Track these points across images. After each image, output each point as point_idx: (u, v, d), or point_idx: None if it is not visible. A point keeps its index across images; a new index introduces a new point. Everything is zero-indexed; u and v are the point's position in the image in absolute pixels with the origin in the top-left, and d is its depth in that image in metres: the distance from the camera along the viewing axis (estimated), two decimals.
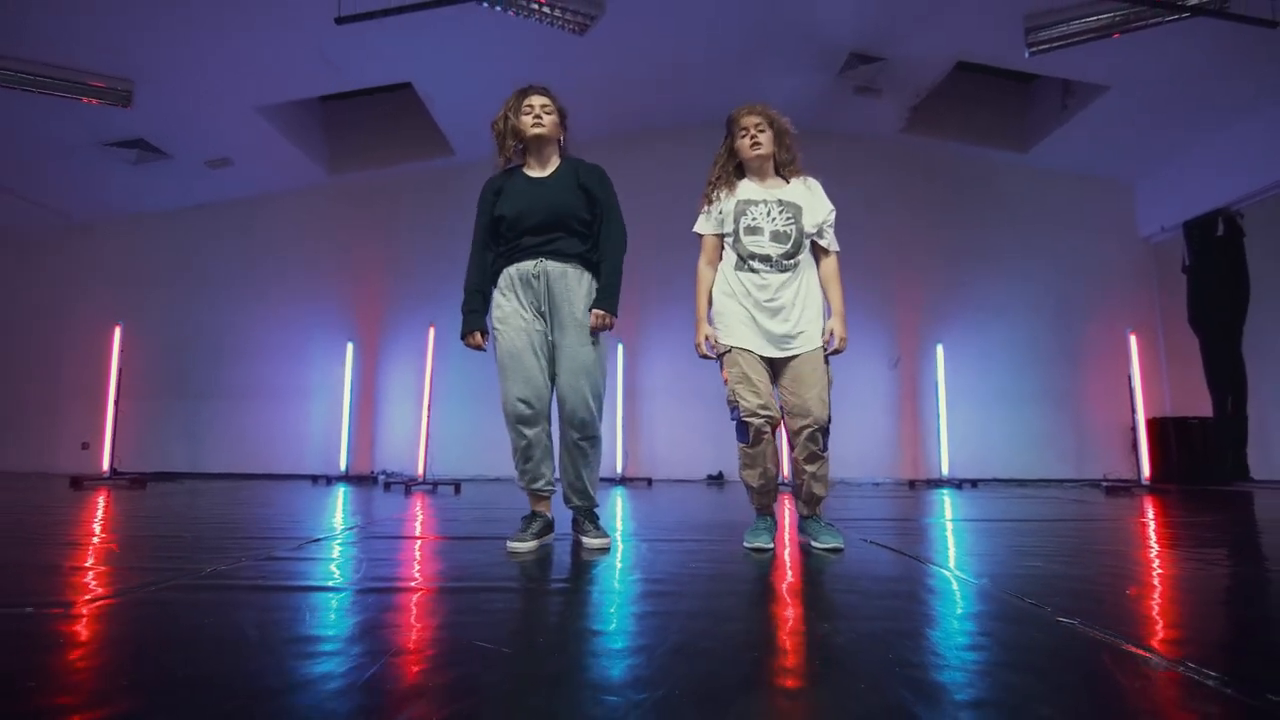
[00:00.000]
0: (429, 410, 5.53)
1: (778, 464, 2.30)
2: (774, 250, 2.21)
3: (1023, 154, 6.80)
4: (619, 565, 1.98)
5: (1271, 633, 1.35)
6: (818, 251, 2.34)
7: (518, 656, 1.14)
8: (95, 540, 2.43)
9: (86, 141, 5.65)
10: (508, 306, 2.19)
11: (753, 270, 2.22)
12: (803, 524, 2.29)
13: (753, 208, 2.25)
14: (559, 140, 2.34)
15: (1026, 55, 5.15)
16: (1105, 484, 5.63)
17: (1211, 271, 6.21)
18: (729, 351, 2.24)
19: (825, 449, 2.19)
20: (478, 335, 2.24)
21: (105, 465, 5.38)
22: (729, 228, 2.28)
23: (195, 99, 5.31)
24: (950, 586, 1.69)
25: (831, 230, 2.33)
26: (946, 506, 4.11)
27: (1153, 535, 2.82)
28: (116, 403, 5.49)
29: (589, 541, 2.22)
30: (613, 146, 7.18)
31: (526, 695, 0.95)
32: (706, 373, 2.43)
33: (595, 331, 2.20)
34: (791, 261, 2.22)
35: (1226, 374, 6.15)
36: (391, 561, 2.06)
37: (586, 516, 2.30)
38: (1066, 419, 6.71)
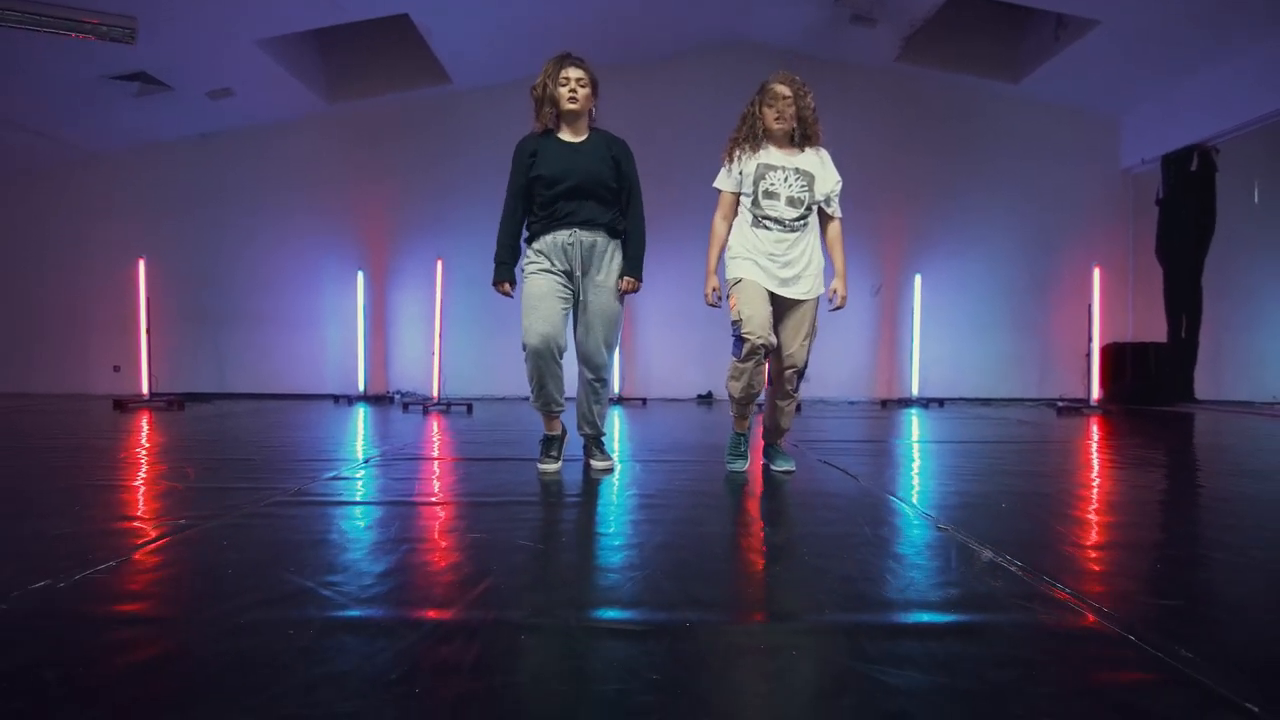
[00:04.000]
0: (440, 339, 5.96)
1: (762, 383, 2.73)
2: (788, 214, 2.50)
3: (1014, 84, 6.89)
4: (619, 483, 2.49)
5: (1077, 541, 1.85)
6: (823, 217, 2.63)
7: (548, 551, 1.64)
8: (186, 464, 2.92)
9: (90, 76, 5.74)
10: (541, 263, 2.53)
11: (767, 229, 2.52)
12: (766, 449, 2.78)
13: (771, 173, 2.51)
14: (590, 110, 2.59)
15: None
16: (1059, 404, 6.18)
17: (1182, 205, 6.50)
18: (739, 282, 2.54)
19: (797, 390, 2.64)
20: (506, 285, 2.59)
21: (145, 389, 5.85)
22: (747, 188, 2.54)
23: (196, 33, 5.37)
24: (870, 500, 2.19)
25: (838, 199, 2.63)
26: (905, 428, 4.65)
27: (1067, 458, 3.35)
28: (148, 333, 5.90)
29: (596, 464, 2.72)
30: (609, 75, 7.22)
31: (556, 575, 1.45)
32: (697, 299, 2.75)
33: (623, 293, 2.59)
34: (802, 223, 2.53)
35: (1184, 302, 6.58)
36: (436, 480, 2.57)
37: (595, 443, 2.78)
38: (1032, 343, 7.19)
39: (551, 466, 2.64)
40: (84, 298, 7.18)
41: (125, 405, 5.61)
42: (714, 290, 2.63)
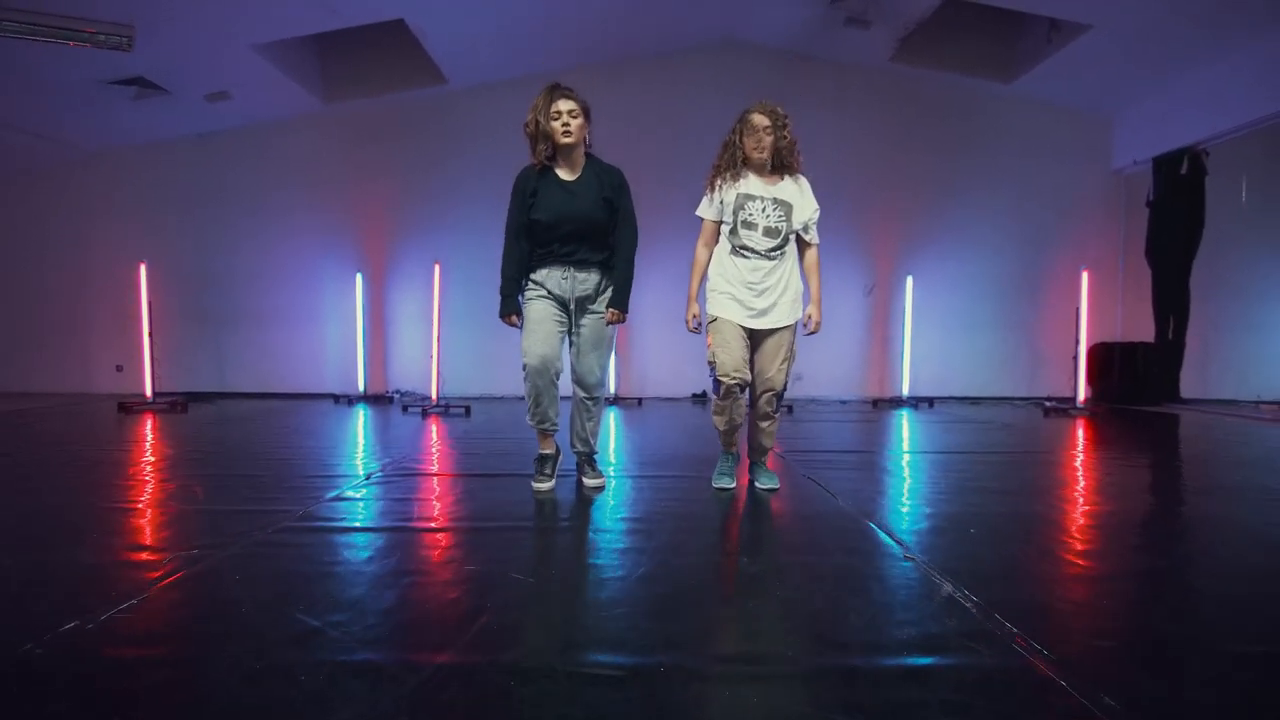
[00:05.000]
0: (438, 342, 6.05)
1: (743, 415, 2.86)
2: (765, 244, 2.60)
3: (1007, 84, 6.93)
4: (609, 503, 2.61)
5: (1036, 573, 1.97)
6: (801, 244, 2.73)
7: (539, 584, 1.76)
8: (194, 482, 3.03)
9: (87, 79, 5.77)
10: (539, 290, 2.64)
11: (745, 258, 2.62)
12: (751, 467, 2.89)
13: (751, 203, 2.60)
14: (585, 138, 2.65)
15: None
16: (1047, 404, 6.31)
17: (1172, 208, 6.57)
18: (715, 320, 2.68)
19: (777, 411, 2.75)
20: (514, 317, 2.67)
21: (148, 391, 5.95)
22: (727, 217, 2.64)
23: (192, 39, 5.40)
24: (846, 525, 2.31)
25: (816, 226, 2.72)
26: (892, 433, 4.77)
27: (1045, 472, 3.47)
28: (150, 335, 5.99)
29: (589, 482, 2.84)
30: (601, 74, 7.27)
31: (545, 614, 1.57)
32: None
33: (608, 323, 2.70)
34: (779, 252, 2.62)
35: (1171, 304, 6.68)
36: (435, 500, 2.68)
37: (587, 460, 2.90)
38: (1022, 342, 7.30)
39: (545, 485, 2.76)
40: (85, 297, 7.26)
41: (129, 408, 5.72)
42: (694, 317, 2.74)
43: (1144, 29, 5.72)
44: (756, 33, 6.94)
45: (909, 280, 6.86)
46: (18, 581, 1.75)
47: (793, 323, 2.68)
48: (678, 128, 7.05)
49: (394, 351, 7.29)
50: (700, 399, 7.16)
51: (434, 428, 4.93)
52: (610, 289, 2.69)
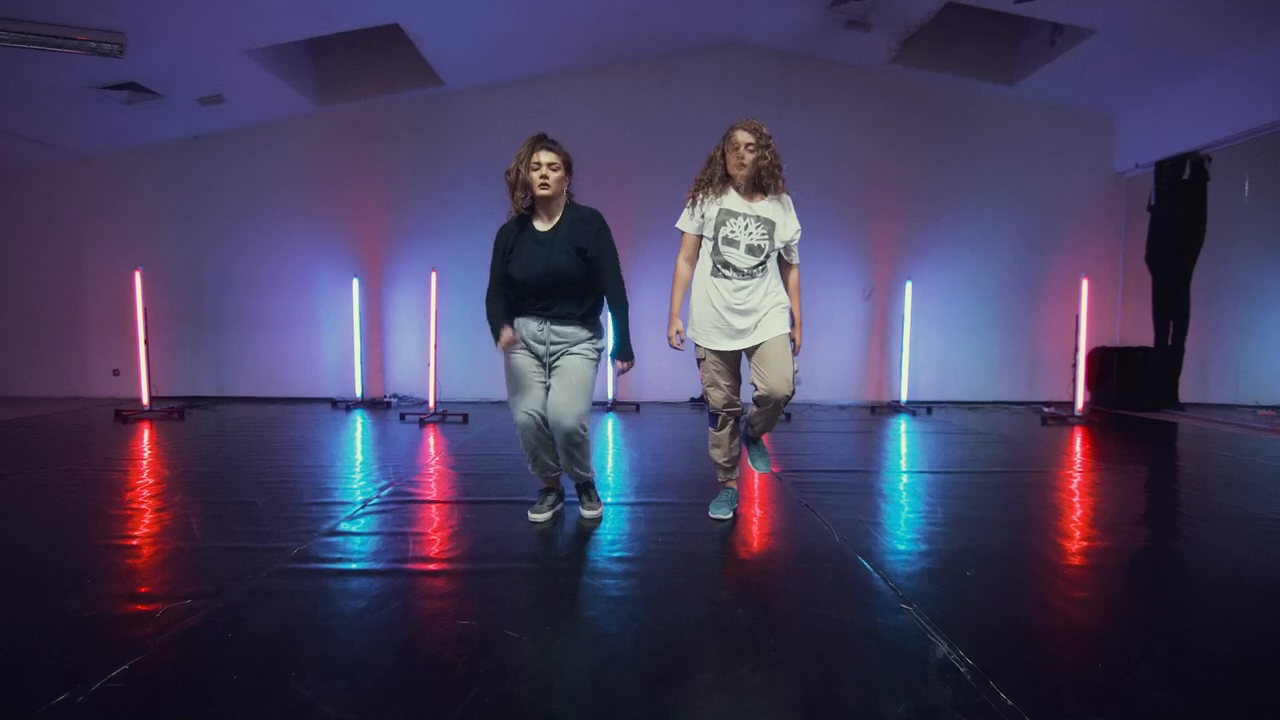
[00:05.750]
0: (435, 349, 6.03)
1: (740, 447, 2.85)
2: (746, 262, 2.57)
3: (1009, 87, 6.86)
4: (606, 538, 2.60)
5: (1033, 625, 1.97)
6: (784, 265, 2.70)
7: (532, 643, 1.75)
8: (191, 512, 3.02)
9: (79, 84, 5.70)
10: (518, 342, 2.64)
11: (726, 277, 2.60)
12: (748, 446, 2.85)
13: (733, 219, 2.56)
14: (565, 190, 2.62)
15: (1014, 2, 5.20)
16: (1045, 411, 6.30)
17: (1173, 213, 6.53)
18: (702, 355, 2.70)
19: (782, 414, 2.73)
20: (507, 331, 2.55)
21: (145, 399, 5.94)
22: (709, 232, 2.61)
23: (184, 45, 5.33)
24: (842, 568, 2.31)
25: (797, 247, 2.70)
26: (890, 446, 4.77)
27: (1043, 496, 3.47)
28: (146, 343, 5.96)
29: (586, 513, 2.85)
30: (600, 75, 7.19)
31: (535, 684, 1.57)
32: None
33: (620, 373, 2.70)
34: (760, 269, 2.59)
35: (1171, 309, 6.65)
36: (430, 536, 2.67)
37: (584, 489, 2.90)
38: (1021, 346, 7.28)
39: (541, 517, 2.76)
40: (82, 302, 7.22)
41: (126, 417, 5.71)
42: (677, 333, 2.71)
43: (1147, 34, 5.65)
44: (756, 35, 6.86)
45: (908, 285, 6.83)
46: (8, 640, 1.75)
47: (782, 333, 2.62)
48: (676, 130, 6.99)
49: (391, 356, 7.27)
50: (699, 403, 7.15)
51: (431, 439, 4.93)
52: (588, 339, 2.64)
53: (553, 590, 2.15)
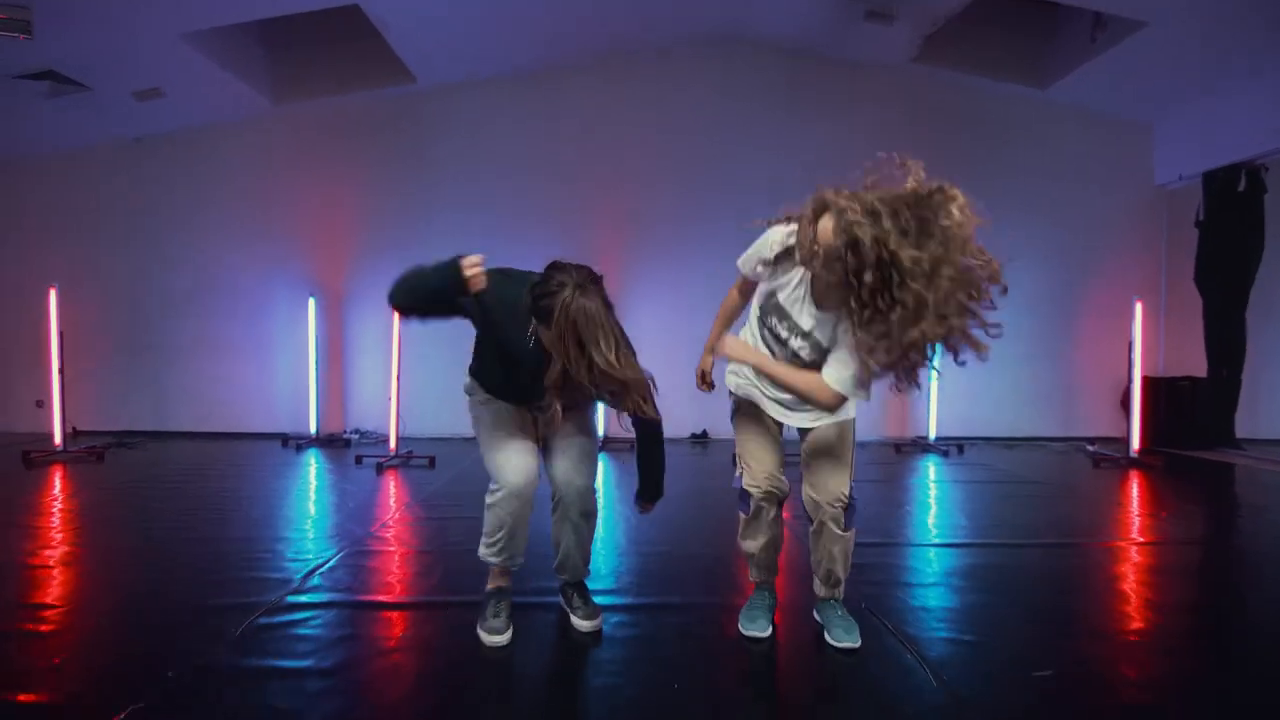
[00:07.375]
0: (398, 380, 5.24)
1: (782, 537, 2.08)
2: (785, 356, 1.87)
3: (1040, 90, 6.24)
4: (599, 677, 1.81)
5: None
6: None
7: None
8: (85, 608, 2.19)
9: None
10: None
11: (769, 348, 1.90)
12: (819, 605, 2.08)
13: (782, 322, 1.85)
14: None
15: None
16: (1092, 450, 5.58)
17: (1227, 229, 5.89)
18: (738, 410, 2.03)
19: (849, 527, 1.94)
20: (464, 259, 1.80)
21: (57, 438, 5.09)
22: (761, 292, 1.90)
23: (107, 26, 4.58)
24: (884, 673, 1.53)
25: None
26: (921, 498, 4.01)
27: (1102, 577, 2.71)
28: (61, 371, 5.13)
29: (579, 623, 2.08)
30: (604, 69, 6.49)
31: None
32: (689, 328, 2.17)
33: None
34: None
35: (1227, 338, 5.98)
36: (363, 667, 1.85)
37: (577, 590, 2.15)
38: (1057, 377, 6.58)
39: (501, 638, 1.97)
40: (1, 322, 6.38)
41: (34, 461, 4.85)
42: (703, 374, 2.10)
43: (1206, 27, 5.02)
44: (762, 28, 6.20)
45: None
46: None
47: (844, 418, 1.93)
48: (674, 131, 6.31)
49: (353, 385, 6.46)
50: (700, 440, 6.38)
51: (391, 490, 4.14)
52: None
53: None
